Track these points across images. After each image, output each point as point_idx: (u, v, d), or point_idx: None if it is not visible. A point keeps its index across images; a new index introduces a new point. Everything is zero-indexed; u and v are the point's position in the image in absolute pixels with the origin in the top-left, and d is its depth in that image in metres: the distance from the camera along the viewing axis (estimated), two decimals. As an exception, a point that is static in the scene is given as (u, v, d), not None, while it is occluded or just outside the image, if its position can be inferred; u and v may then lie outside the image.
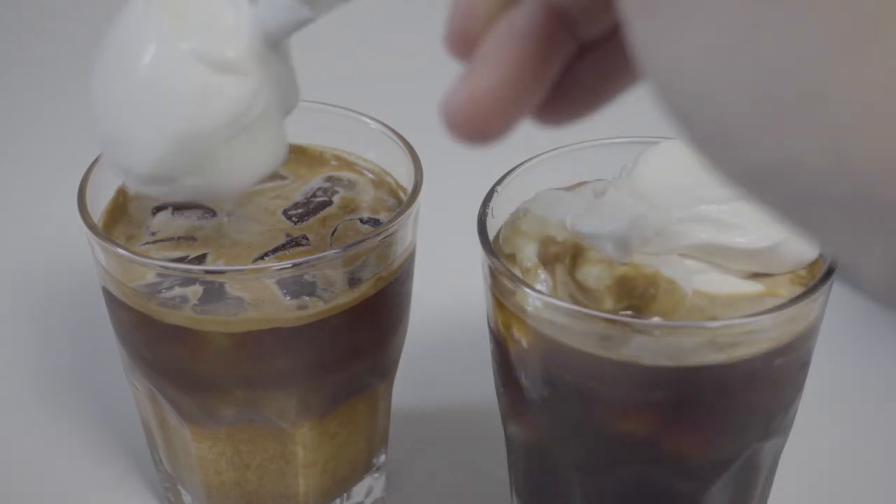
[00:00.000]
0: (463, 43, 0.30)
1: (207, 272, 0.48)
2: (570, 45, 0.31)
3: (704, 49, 0.24)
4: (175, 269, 0.48)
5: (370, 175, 0.55)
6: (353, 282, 0.49)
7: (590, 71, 0.31)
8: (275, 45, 0.43)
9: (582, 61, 0.31)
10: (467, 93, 0.30)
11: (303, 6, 0.41)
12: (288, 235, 0.51)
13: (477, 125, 0.30)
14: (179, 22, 0.42)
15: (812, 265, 0.47)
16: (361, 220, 0.52)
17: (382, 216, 0.53)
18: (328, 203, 0.53)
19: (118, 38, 0.43)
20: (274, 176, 0.53)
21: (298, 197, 0.54)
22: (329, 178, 0.55)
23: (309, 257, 0.48)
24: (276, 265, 0.47)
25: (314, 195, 0.54)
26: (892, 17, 0.22)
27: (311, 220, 0.52)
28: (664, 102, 0.26)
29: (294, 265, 0.47)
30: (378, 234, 0.49)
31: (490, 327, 0.49)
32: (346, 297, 0.49)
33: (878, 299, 0.25)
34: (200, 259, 0.50)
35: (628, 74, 0.31)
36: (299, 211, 0.52)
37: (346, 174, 0.55)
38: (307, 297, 0.48)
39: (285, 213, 0.52)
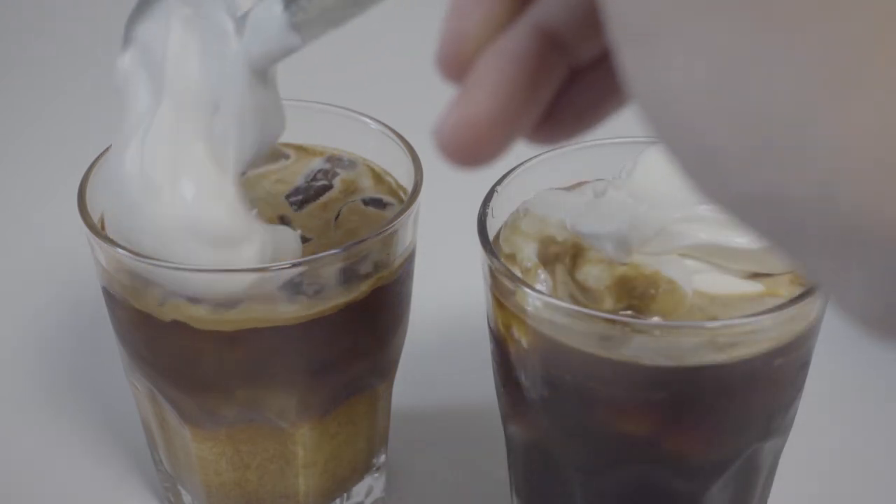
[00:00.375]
0: (455, 66, 0.30)
1: (206, 271, 0.48)
2: (563, 68, 0.31)
3: (691, 82, 0.24)
4: (174, 267, 0.48)
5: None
6: (352, 281, 0.49)
7: (583, 93, 0.32)
8: (262, 73, 0.43)
9: (575, 83, 0.31)
10: (459, 117, 0.30)
11: (292, 34, 0.41)
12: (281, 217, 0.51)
13: (470, 149, 0.30)
14: (173, 184, 0.45)
15: (812, 265, 0.47)
16: (364, 202, 0.53)
17: (385, 198, 0.53)
18: (329, 187, 0.53)
19: (121, 186, 0.46)
20: (277, 155, 0.54)
21: (300, 181, 0.54)
22: (329, 159, 0.55)
23: (309, 257, 0.48)
24: (275, 265, 0.47)
25: (314, 178, 0.54)
26: (878, 61, 0.22)
27: (312, 205, 0.52)
28: (652, 130, 0.26)
29: (293, 265, 0.47)
30: (378, 234, 0.49)
31: (490, 327, 0.49)
32: (345, 297, 0.49)
33: (862, 332, 0.25)
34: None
35: (621, 96, 0.31)
36: (300, 197, 0.52)
37: (346, 155, 0.55)
38: (307, 297, 0.48)
39: (287, 198, 0.53)
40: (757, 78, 0.23)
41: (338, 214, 0.52)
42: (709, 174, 0.25)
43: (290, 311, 0.48)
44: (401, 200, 0.53)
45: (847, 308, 0.24)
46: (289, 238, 0.49)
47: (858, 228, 0.23)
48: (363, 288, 0.49)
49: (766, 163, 0.23)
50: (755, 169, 0.24)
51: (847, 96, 0.22)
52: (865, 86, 0.22)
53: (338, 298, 0.49)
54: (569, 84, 0.31)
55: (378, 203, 0.52)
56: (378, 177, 0.55)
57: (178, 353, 0.50)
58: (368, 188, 0.53)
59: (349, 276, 0.49)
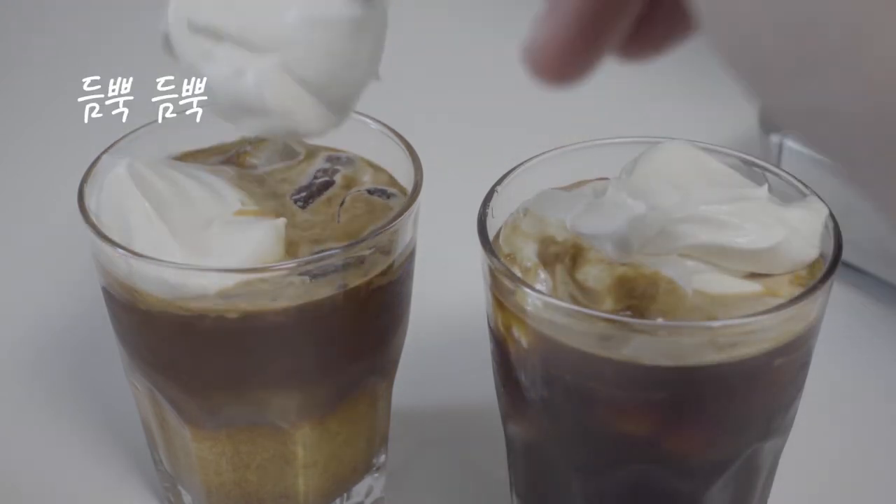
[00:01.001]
0: None
1: (205, 270, 0.48)
2: None
3: None
4: (175, 265, 0.48)
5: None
6: (352, 281, 0.49)
7: (671, 7, 0.31)
8: None
9: None
10: (549, 34, 0.29)
11: None
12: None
13: (560, 66, 0.29)
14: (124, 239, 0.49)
15: (812, 265, 0.47)
16: (369, 192, 0.53)
17: (389, 189, 0.53)
18: (331, 183, 0.53)
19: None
20: (291, 153, 0.54)
21: (303, 180, 0.54)
22: (329, 159, 0.55)
23: (308, 257, 0.48)
24: (274, 265, 0.47)
25: (315, 176, 0.54)
26: None
27: (317, 201, 0.52)
28: (713, 41, 0.26)
29: (292, 265, 0.47)
30: (378, 233, 0.49)
31: (490, 327, 0.49)
32: (345, 297, 0.49)
33: None
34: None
35: None
36: (303, 195, 0.53)
37: (343, 155, 0.55)
38: (306, 297, 0.48)
39: (292, 197, 0.53)
40: None
41: (342, 202, 0.52)
42: (764, 84, 0.25)
43: (290, 312, 0.48)
44: (403, 191, 0.53)
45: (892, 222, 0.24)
46: (267, 230, 0.49)
47: None
48: (363, 288, 0.49)
49: (816, 73, 0.23)
50: (805, 80, 0.24)
51: None
52: None
53: (337, 299, 0.49)
54: None
55: (382, 193, 0.52)
56: (378, 169, 0.55)
57: (178, 352, 0.50)
58: (369, 181, 0.54)
59: (348, 276, 0.49)
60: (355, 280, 0.49)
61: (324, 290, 0.48)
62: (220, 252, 0.48)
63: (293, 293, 0.48)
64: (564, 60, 0.29)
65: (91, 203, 0.50)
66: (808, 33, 0.23)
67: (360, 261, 0.49)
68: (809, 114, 0.24)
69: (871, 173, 0.24)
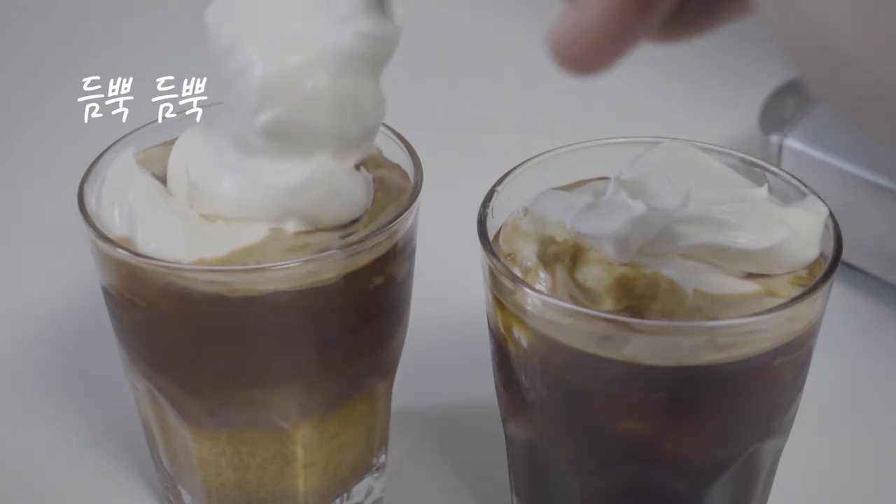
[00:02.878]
0: None
1: (205, 271, 0.48)
2: None
3: None
4: (174, 267, 0.48)
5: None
6: (352, 281, 0.49)
7: None
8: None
9: None
10: (574, 25, 0.29)
11: None
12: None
13: (583, 56, 0.29)
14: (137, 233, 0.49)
15: (812, 265, 0.47)
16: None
17: (389, 175, 0.53)
18: None
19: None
20: None
21: None
22: None
23: (308, 257, 0.48)
24: (274, 265, 0.47)
25: None
26: None
27: None
28: (772, 26, 0.25)
29: (292, 265, 0.47)
30: (378, 234, 0.49)
31: (490, 327, 0.49)
32: (345, 297, 0.49)
33: None
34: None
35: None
36: None
37: None
38: (306, 297, 0.48)
39: None
40: None
41: None
42: (829, 67, 0.24)
43: (289, 312, 0.48)
44: (405, 177, 0.53)
45: None
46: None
47: None
48: (362, 287, 0.49)
49: (886, 48, 0.23)
50: (877, 62, 0.23)
51: None
52: None
53: (336, 298, 0.49)
54: None
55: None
56: (380, 156, 0.54)
57: (178, 351, 0.50)
58: (371, 166, 0.53)
59: (348, 275, 0.49)
60: (355, 280, 0.49)
61: (323, 290, 0.48)
62: (221, 238, 0.48)
63: (292, 291, 0.48)
64: (597, 48, 0.29)
65: (91, 203, 0.50)
66: (883, 12, 0.23)
67: (360, 261, 0.49)
68: (871, 100, 0.24)
69: None
